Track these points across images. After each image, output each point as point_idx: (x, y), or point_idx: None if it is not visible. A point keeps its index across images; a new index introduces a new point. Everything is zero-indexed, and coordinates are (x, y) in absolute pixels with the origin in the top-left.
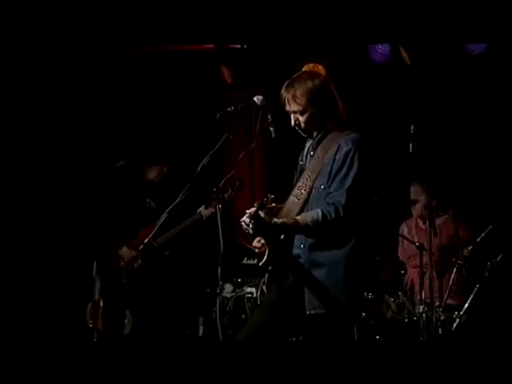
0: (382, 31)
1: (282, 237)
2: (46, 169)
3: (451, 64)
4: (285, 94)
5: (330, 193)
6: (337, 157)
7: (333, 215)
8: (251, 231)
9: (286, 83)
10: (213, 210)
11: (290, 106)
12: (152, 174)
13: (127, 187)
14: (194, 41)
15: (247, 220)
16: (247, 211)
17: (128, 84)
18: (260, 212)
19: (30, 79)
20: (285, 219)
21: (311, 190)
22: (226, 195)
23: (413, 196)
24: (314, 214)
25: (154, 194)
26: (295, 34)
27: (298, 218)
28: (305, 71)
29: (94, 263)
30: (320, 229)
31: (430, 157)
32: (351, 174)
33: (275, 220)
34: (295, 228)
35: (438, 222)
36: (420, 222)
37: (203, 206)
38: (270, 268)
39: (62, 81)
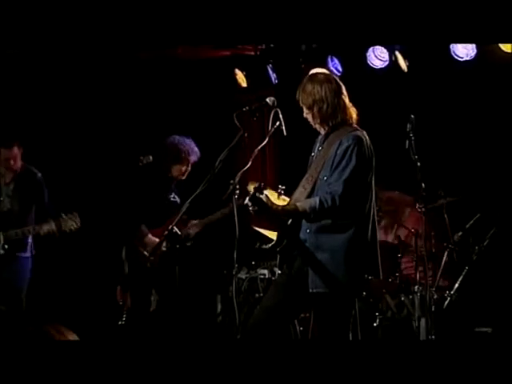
0: (382, 36)
1: (290, 222)
2: (89, 167)
3: (443, 69)
4: (297, 95)
5: (330, 183)
6: (338, 151)
7: (330, 203)
8: (252, 212)
9: (301, 84)
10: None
11: (299, 101)
12: (176, 172)
13: (153, 182)
14: (208, 42)
15: (249, 202)
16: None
17: (157, 88)
18: (258, 194)
19: (65, 79)
20: (286, 205)
21: (316, 181)
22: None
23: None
24: (312, 201)
25: (179, 189)
26: (304, 39)
27: (298, 204)
28: (311, 74)
29: (123, 249)
30: (317, 215)
31: (423, 152)
32: (349, 168)
33: (276, 205)
34: (295, 213)
35: (432, 210)
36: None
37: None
38: (278, 249)
39: (98, 85)
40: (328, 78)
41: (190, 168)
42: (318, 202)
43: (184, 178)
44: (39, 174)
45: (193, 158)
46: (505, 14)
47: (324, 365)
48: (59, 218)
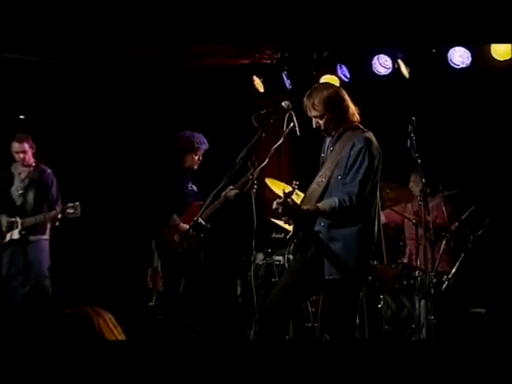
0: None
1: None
2: (116, 166)
3: (441, 76)
4: (306, 102)
5: (346, 183)
6: (351, 152)
7: (348, 203)
8: (281, 214)
9: (306, 93)
10: (237, 191)
11: (310, 112)
12: (189, 162)
13: (172, 175)
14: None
15: (278, 206)
16: (277, 200)
17: (183, 94)
18: (288, 199)
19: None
20: (309, 206)
21: (330, 179)
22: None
23: (411, 183)
24: (332, 201)
25: (195, 179)
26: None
27: (319, 205)
28: (321, 83)
29: (153, 240)
30: (337, 213)
31: (423, 150)
32: (362, 168)
33: (302, 207)
34: (317, 213)
35: (431, 203)
36: (416, 204)
37: (230, 187)
38: (295, 240)
39: (131, 91)
40: (331, 87)
41: (201, 158)
42: (337, 202)
43: (196, 167)
44: (49, 171)
45: (203, 147)
46: (499, 16)
47: (327, 364)
48: (64, 206)
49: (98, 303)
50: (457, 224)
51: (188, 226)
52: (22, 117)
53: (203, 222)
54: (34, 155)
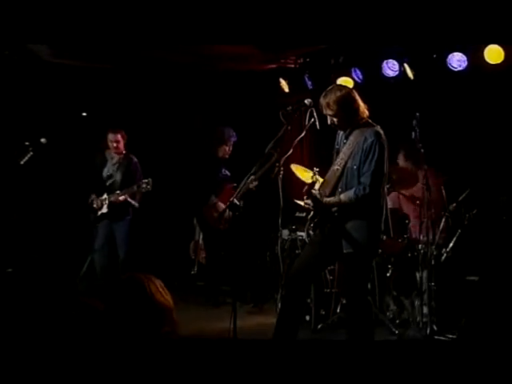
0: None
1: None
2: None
3: (441, 77)
4: (321, 102)
5: (363, 173)
6: (364, 146)
7: (362, 192)
8: (310, 205)
9: (322, 94)
10: (257, 183)
11: (326, 110)
12: (221, 152)
13: (210, 163)
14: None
15: (307, 200)
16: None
17: (223, 94)
18: (312, 190)
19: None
20: (331, 198)
21: (344, 167)
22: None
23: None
24: (350, 193)
25: (227, 166)
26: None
27: (341, 197)
28: (335, 85)
29: (195, 216)
30: (355, 202)
31: (426, 141)
32: (374, 160)
33: (325, 199)
34: (338, 203)
35: (433, 184)
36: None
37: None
38: (315, 220)
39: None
40: (344, 88)
41: (231, 148)
42: (354, 193)
43: (227, 156)
44: (135, 159)
45: (232, 139)
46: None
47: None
48: (140, 182)
49: (150, 271)
50: (454, 205)
51: (224, 206)
52: (84, 114)
53: (238, 203)
54: (125, 145)
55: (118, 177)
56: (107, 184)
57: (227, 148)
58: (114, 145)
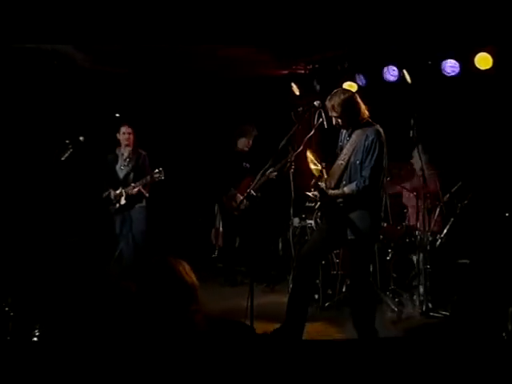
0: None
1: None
2: (192, 151)
3: (436, 81)
4: (327, 104)
5: (364, 168)
6: (366, 143)
7: (363, 184)
8: (317, 197)
9: (328, 97)
10: (276, 173)
11: (331, 112)
12: (241, 145)
13: (231, 156)
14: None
15: (314, 192)
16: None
17: (241, 98)
18: (319, 183)
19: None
20: (336, 191)
21: (348, 162)
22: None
23: (414, 158)
24: (352, 186)
25: (247, 159)
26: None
27: (345, 189)
28: (339, 89)
29: (216, 204)
30: (357, 194)
31: (422, 139)
32: (374, 156)
33: (330, 191)
34: (342, 195)
35: (429, 179)
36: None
37: (271, 169)
38: (322, 209)
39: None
40: (347, 92)
41: (251, 142)
42: (355, 186)
43: (247, 149)
44: (144, 153)
45: (253, 133)
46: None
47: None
48: (152, 172)
49: (176, 254)
50: (448, 195)
51: (242, 197)
52: (117, 115)
53: (254, 193)
54: (134, 140)
55: (129, 170)
56: (121, 179)
57: (247, 142)
58: (126, 136)
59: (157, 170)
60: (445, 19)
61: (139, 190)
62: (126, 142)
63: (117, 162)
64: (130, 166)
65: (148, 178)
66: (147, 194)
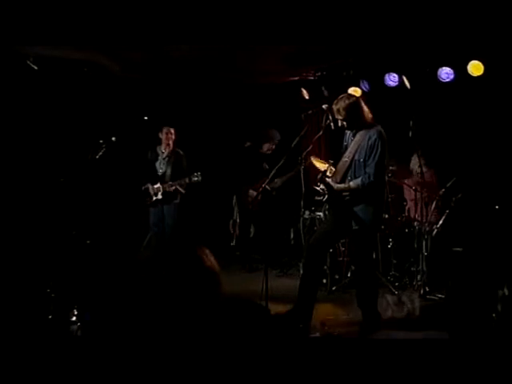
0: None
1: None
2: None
3: (432, 87)
4: (334, 107)
5: (368, 165)
6: (369, 142)
7: (368, 180)
8: (324, 190)
9: (334, 102)
10: (279, 184)
11: (336, 115)
12: (265, 148)
13: (252, 157)
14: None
15: (321, 185)
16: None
17: (257, 103)
18: (326, 178)
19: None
20: (341, 185)
21: (352, 160)
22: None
23: (412, 162)
24: (358, 181)
25: (268, 160)
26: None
27: (351, 183)
28: (344, 94)
29: (234, 197)
30: (361, 188)
31: (421, 139)
32: (377, 154)
33: (337, 185)
34: (348, 189)
35: (426, 175)
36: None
37: (275, 180)
38: (330, 203)
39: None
40: (352, 97)
41: (274, 146)
42: (360, 181)
43: (270, 152)
44: (181, 152)
45: (277, 138)
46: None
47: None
48: (190, 175)
49: (198, 243)
50: (443, 190)
51: (256, 193)
52: (145, 118)
53: (269, 189)
54: (175, 141)
55: (168, 168)
56: (159, 175)
57: (271, 145)
58: (169, 135)
59: (195, 174)
60: (440, 31)
61: (176, 188)
62: (167, 142)
63: (157, 159)
64: (169, 163)
65: (186, 179)
66: (183, 191)
